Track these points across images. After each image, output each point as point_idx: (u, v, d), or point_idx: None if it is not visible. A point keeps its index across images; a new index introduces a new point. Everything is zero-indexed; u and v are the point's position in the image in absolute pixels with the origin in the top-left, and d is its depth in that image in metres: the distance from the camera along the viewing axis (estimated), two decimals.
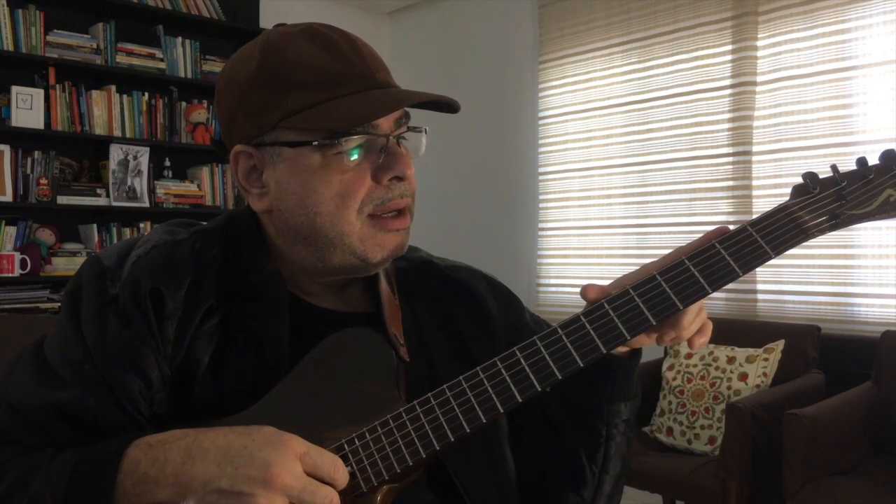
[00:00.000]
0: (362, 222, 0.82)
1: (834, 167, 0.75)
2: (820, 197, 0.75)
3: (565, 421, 0.88)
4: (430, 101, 0.83)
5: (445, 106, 0.84)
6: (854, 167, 0.76)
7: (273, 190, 0.84)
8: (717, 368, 2.84)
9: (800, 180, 0.76)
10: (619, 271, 4.05)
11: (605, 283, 0.81)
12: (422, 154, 0.89)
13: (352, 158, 0.81)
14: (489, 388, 0.76)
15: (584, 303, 0.79)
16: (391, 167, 0.82)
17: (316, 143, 0.80)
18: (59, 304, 2.16)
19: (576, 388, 0.85)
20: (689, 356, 2.92)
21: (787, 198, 0.77)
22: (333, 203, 0.81)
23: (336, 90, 0.80)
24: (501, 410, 0.76)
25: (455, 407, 0.76)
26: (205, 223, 0.92)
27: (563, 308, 3.86)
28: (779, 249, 0.73)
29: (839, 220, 0.74)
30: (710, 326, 0.81)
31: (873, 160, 0.76)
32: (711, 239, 0.76)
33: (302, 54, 0.81)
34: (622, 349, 0.82)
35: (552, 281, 3.97)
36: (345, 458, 0.77)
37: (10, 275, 3.28)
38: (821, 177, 0.76)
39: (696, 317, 0.79)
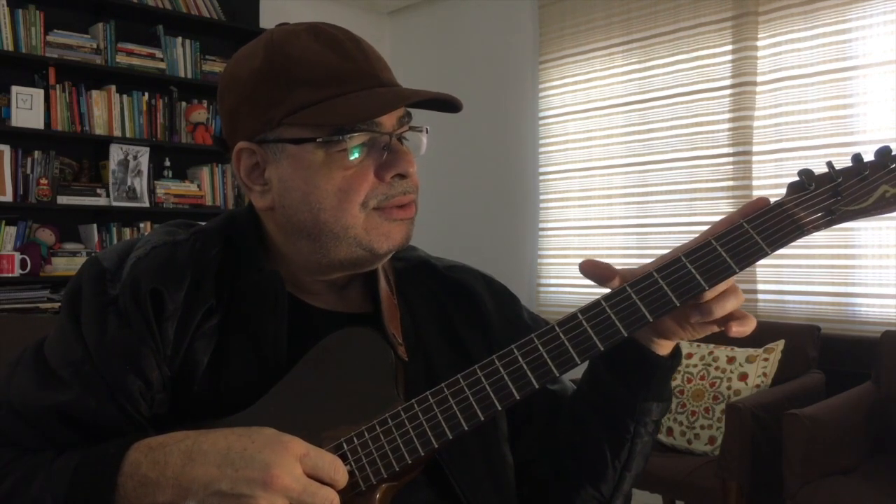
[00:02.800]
0: (367, 214, 0.82)
1: (829, 164, 0.75)
2: (815, 193, 0.75)
3: (594, 416, 0.87)
4: (434, 98, 0.83)
5: (448, 105, 0.85)
6: (850, 164, 0.76)
7: (276, 187, 0.84)
8: (716, 368, 2.84)
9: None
10: None
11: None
12: (422, 153, 0.89)
13: (355, 156, 0.81)
14: (487, 387, 0.76)
15: (584, 302, 0.79)
16: (394, 164, 0.83)
17: (320, 139, 0.80)
18: (59, 304, 2.17)
19: (610, 383, 0.84)
20: (689, 356, 2.92)
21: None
22: (336, 198, 0.81)
23: (340, 87, 0.80)
24: (499, 408, 0.76)
25: (454, 405, 0.76)
26: (204, 223, 0.92)
27: (564, 308, 3.86)
28: (775, 246, 0.73)
29: (835, 217, 0.74)
30: (752, 321, 0.77)
31: (869, 157, 0.76)
32: (734, 221, 0.74)
33: (306, 51, 0.81)
34: (664, 349, 0.82)
35: (552, 281, 3.97)
36: (343, 457, 0.77)
37: (10, 275, 3.28)
38: (816, 173, 0.76)
39: (732, 296, 0.75)
